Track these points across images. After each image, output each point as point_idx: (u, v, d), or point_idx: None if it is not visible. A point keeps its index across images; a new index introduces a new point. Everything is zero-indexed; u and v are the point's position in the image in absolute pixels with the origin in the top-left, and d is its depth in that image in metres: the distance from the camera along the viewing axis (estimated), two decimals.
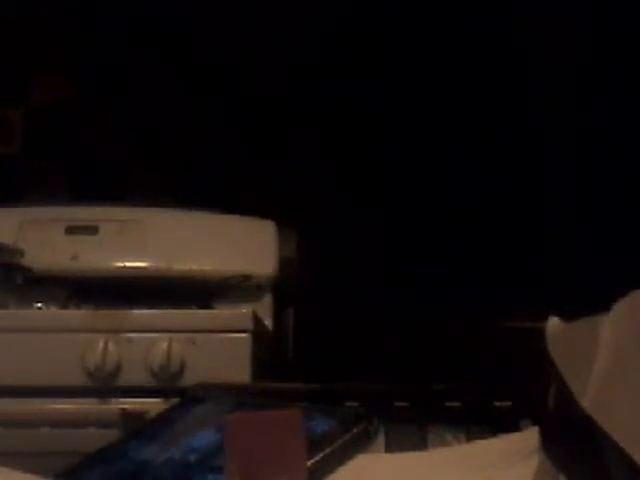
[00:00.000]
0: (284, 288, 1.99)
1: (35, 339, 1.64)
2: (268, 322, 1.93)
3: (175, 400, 0.57)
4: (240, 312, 1.74)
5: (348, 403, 1.21)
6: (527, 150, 2.14)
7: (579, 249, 2.05)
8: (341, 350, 1.98)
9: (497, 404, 1.27)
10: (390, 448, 1.15)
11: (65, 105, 2.25)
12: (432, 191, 2.17)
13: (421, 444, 1.22)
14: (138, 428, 0.54)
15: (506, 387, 1.32)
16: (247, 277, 1.91)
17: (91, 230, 1.92)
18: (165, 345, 1.62)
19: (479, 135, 2.17)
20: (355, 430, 0.46)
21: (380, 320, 2.04)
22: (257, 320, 1.73)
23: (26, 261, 1.82)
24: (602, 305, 0.86)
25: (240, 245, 1.96)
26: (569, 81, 2.14)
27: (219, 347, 1.65)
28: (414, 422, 1.24)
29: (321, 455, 0.46)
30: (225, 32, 2.21)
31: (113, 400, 1.61)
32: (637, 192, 1.97)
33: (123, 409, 1.52)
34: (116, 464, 0.53)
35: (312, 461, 0.46)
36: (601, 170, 2.08)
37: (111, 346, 1.62)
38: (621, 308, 0.84)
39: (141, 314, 1.69)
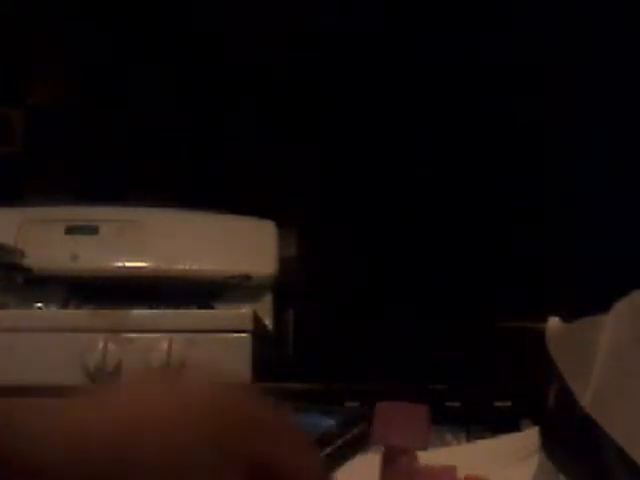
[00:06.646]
0: (284, 288, 1.99)
1: (35, 339, 1.63)
2: (268, 322, 1.93)
3: None
4: (240, 312, 1.74)
5: (348, 403, 1.21)
6: (526, 149, 2.14)
7: (579, 249, 2.05)
8: (341, 350, 1.98)
9: (497, 404, 1.27)
10: None
11: (65, 105, 2.25)
12: (432, 190, 2.17)
13: None
14: None
15: (506, 387, 1.32)
16: (247, 277, 1.91)
17: (91, 230, 1.92)
18: (165, 345, 1.62)
19: (478, 134, 2.17)
20: (355, 430, 0.46)
21: (380, 320, 2.04)
22: (257, 320, 1.73)
23: (26, 261, 1.82)
24: (602, 305, 0.85)
25: (240, 245, 1.96)
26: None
27: (219, 347, 1.65)
28: None
29: (321, 455, 0.46)
30: (226, 31, 2.21)
31: None
32: (637, 191, 1.98)
33: None
34: None
35: None
36: (600, 169, 2.08)
37: (111, 346, 1.62)
38: (621, 308, 0.84)
39: (141, 314, 1.69)
